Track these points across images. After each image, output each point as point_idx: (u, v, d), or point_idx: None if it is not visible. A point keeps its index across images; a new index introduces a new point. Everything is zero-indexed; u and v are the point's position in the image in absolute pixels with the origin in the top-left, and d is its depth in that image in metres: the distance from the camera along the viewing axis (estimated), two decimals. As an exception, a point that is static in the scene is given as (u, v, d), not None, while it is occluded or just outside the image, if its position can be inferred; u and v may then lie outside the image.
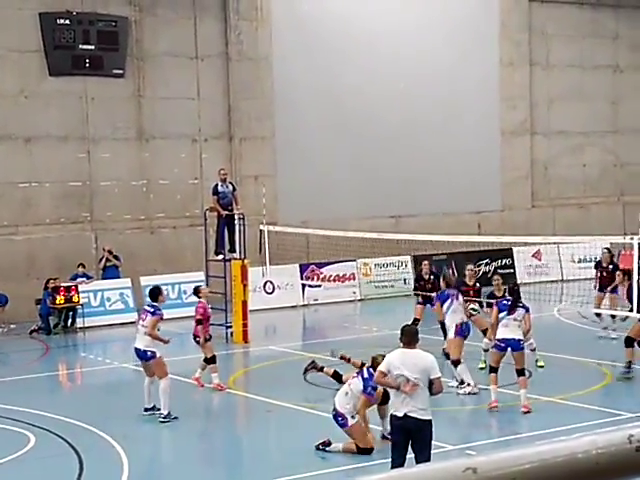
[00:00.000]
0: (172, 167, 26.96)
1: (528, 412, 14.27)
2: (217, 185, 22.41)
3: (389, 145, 29.46)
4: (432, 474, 1.68)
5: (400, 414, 10.11)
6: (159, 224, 26.92)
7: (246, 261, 21.71)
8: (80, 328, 24.16)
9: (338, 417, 12.79)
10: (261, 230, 22.59)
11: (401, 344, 10.49)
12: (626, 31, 33.82)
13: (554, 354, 19.22)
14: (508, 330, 14.60)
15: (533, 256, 29.66)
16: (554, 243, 24.33)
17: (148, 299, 16.43)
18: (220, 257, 22.42)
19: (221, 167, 23.90)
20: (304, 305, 27.08)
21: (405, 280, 28.53)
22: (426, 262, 20.37)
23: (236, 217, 22.16)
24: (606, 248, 20.09)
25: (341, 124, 28.93)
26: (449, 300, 16.07)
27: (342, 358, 15.82)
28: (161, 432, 14.36)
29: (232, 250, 22.33)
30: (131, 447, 13.20)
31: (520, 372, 14.54)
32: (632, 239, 16.09)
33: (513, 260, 30.00)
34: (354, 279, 27.87)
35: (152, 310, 15.24)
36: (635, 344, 17.91)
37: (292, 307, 26.37)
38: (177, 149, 27.06)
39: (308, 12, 28.52)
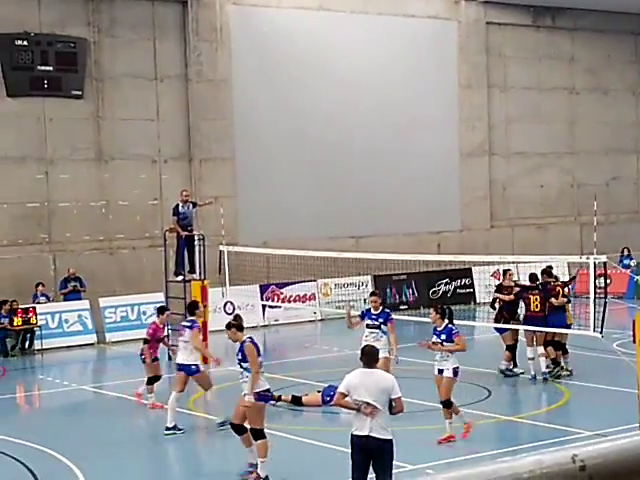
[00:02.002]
0: (132, 188, 26.87)
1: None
2: (178, 206, 22.46)
3: (349, 166, 29.58)
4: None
5: (362, 434, 10.13)
6: (118, 245, 26.80)
7: (206, 282, 21.65)
8: (38, 350, 23.95)
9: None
10: (221, 251, 22.55)
11: (361, 364, 10.52)
12: (582, 54, 34.28)
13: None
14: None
15: (492, 276, 29.85)
16: (512, 262, 24.47)
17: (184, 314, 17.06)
18: (180, 278, 22.37)
19: (183, 189, 23.93)
20: (265, 325, 27.06)
21: (365, 300, 28.55)
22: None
23: (196, 238, 22.15)
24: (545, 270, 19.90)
25: (301, 145, 29.02)
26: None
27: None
28: (120, 454, 14.24)
29: (192, 271, 22.29)
30: (89, 470, 13.08)
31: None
32: (588, 259, 16.26)
33: (472, 280, 30.19)
34: (314, 299, 27.89)
35: (190, 324, 15.45)
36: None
37: (252, 327, 26.28)
38: (137, 170, 26.98)
39: (267, 34, 28.61)
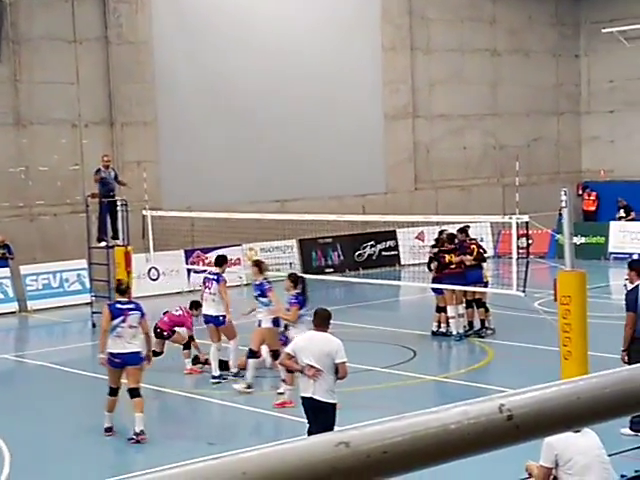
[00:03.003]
0: (52, 153, 26.37)
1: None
2: (100, 170, 22.29)
3: (273, 129, 29.42)
4: (305, 449, 1.66)
5: (306, 395, 10.42)
6: (39, 211, 26.32)
7: (129, 248, 21.42)
8: (-42, 320, 23.50)
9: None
10: (144, 216, 22.30)
11: (314, 327, 10.66)
12: (503, 15, 34.50)
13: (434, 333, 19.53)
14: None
15: (417, 238, 30.07)
16: (436, 223, 24.66)
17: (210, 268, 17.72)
18: (103, 244, 22.12)
19: (104, 154, 23.59)
20: (190, 291, 26.81)
21: (291, 264, 28.59)
22: None
23: (118, 203, 21.88)
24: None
25: (224, 108, 28.74)
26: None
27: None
28: (42, 422, 14.05)
29: (115, 237, 22.05)
30: (11, 438, 12.89)
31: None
32: (510, 219, 16.45)
33: (397, 242, 30.38)
34: (240, 264, 27.78)
35: (216, 277, 15.97)
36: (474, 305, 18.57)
37: (177, 293, 26.12)
38: (57, 135, 26.47)
39: (189, -5, 28.21)
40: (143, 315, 12.97)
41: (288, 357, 10.59)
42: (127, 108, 27.29)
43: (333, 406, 10.26)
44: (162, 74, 27.67)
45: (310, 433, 10.29)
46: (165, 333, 16.69)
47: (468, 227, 19.97)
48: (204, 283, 16.46)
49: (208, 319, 16.03)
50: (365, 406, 14.02)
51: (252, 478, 1.56)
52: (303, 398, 10.45)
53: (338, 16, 30.72)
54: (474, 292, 18.48)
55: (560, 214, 13.28)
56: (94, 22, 26.87)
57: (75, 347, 20.33)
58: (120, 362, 12.78)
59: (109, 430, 13.13)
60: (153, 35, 27.61)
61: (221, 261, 16.72)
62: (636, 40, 34.09)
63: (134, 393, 12.78)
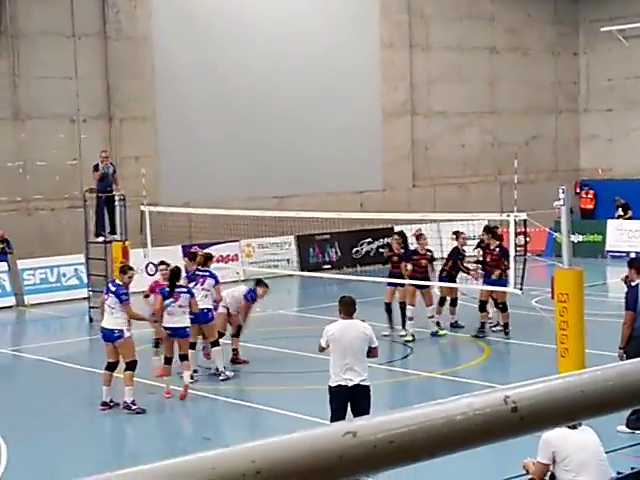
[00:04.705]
0: (50, 148, 26.35)
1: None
2: (98, 165, 22.31)
3: (272, 125, 29.41)
4: (312, 439, 1.67)
5: (352, 383, 10.43)
6: (37, 206, 26.32)
7: (127, 243, 21.44)
8: (-45, 313, 23.48)
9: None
10: (142, 211, 22.30)
11: (341, 315, 10.80)
12: (502, 13, 34.51)
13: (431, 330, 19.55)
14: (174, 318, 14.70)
15: (414, 235, 30.01)
16: (433, 220, 24.67)
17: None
18: (100, 239, 22.13)
19: (103, 149, 23.59)
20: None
21: (289, 260, 28.62)
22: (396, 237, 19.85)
23: (116, 198, 21.88)
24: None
25: (223, 104, 28.75)
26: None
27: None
28: (41, 417, 14.07)
29: (113, 232, 22.05)
30: (9, 433, 12.90)
31: (184, 357, 14.76)
32: (508, 216, 16.47)
33: (404, 238, 30.26)
34: (237, 260, 27.79)
35: (209, 274, 16.03)
36: (487, 306, 18.61)
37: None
38: (55, 129, 26.46)
39: (188, -10, 28.20)
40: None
41: (321, 350, 10.92)
42: (125, 103, 27.28)
43: (370, 389, 10.65)
44: (161, 69, 27.66)
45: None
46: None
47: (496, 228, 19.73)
48: (194, 279, 16.02)
49: (197, 314, 15.64)
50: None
51: (261, 467, 1.58)
52: (341, 387, 10.45)
53: (337, 13, 30.72)
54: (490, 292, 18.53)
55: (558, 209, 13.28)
56: (93, 17, 26.85)
57: (72, 342, 20.36)
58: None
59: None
60: (152, 30, 27.60)
61: (207, 260, 16.55)
62: (635, 39, 34.12)
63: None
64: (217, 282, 16.06)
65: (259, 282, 16.93)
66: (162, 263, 16.23)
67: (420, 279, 18.46)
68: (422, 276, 18.51)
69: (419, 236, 19.59)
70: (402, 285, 18.76)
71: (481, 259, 18.90)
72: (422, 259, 18.59)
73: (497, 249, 18.48)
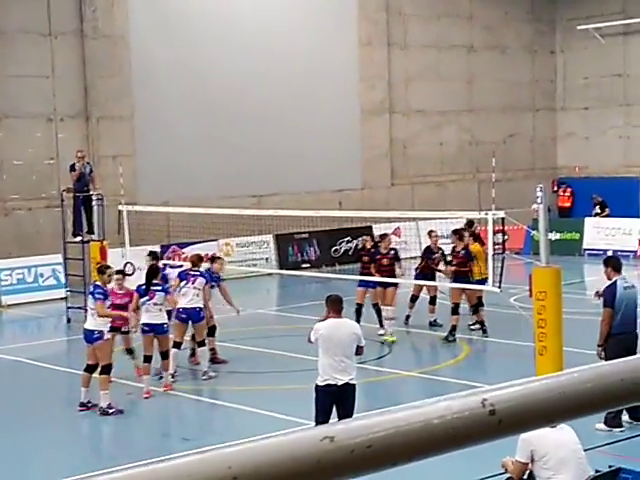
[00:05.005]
0: (27, 147, 26.20)
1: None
2: (74, 165, 22.20)
3: (250, 124, 29.36)
4: (289, 444, 1.66)
5: (341, 382, 10.42)
6: (13, 206, 26.16)
7: (105, 242, 21.35)
8: None
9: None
10: (120, 210, 22.20)
11: (330, 314, 10.75)
12: (479, 11, 34.58)
13: (413, 329, 19.59)
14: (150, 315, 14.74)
15: (393, 233, 30.05)
16: (412, 219, 24.69)
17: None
18: (78, 239, 22.03)
19: (79, 149, 23.47)
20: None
21: (267, 259, 28.58)
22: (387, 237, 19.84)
23: (94, 198, 21.78)
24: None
25: (201, 103, 28.67)
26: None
27: None
28: (17, 414, 13.99)
29: (90, 231, 21.95)
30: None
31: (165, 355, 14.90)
32: (487, 214, 16.50)
33: (373, 238, 30.31)
34: (216, 259, 27.67)
35: (200, 273, 16.13)
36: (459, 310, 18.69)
37: (153, 288, 26.02)
38: (32, 128, 26.30)
39: (165, -11, 28.09)
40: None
41: (309, 342, 10.91)
42: (103, 102, 27.16)
43: (356, 388, 10.74)
44: (138, 68, 27.54)
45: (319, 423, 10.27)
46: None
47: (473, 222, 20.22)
48: (185, 278, 16.08)
49: (190, 313, 15.79)
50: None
51: (237, 472, 1.56)
52: (330, 386, 10.43)
53: (315, 11, 30.69)
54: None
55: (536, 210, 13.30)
56: (70, 15, 26.71)
57: (50, 342, 20.25)
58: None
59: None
60: (129, 29, 27.48)
61: (197, 260, 16.67)
62: (611, 37, 34.29)
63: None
64: (207, 282, 16.06)
65: (213, 259, 17.19)
66: (119, 272, 15.78)
67: (386, 277, 18.57)
68: (386, 275, 18.58)
69: (383, 236, 19.77)
70: (373, 286, 18.88)
71: (449, 259, 19.09)
72: (384, 258, 18.71)
73: (462, 251, 18.66)
